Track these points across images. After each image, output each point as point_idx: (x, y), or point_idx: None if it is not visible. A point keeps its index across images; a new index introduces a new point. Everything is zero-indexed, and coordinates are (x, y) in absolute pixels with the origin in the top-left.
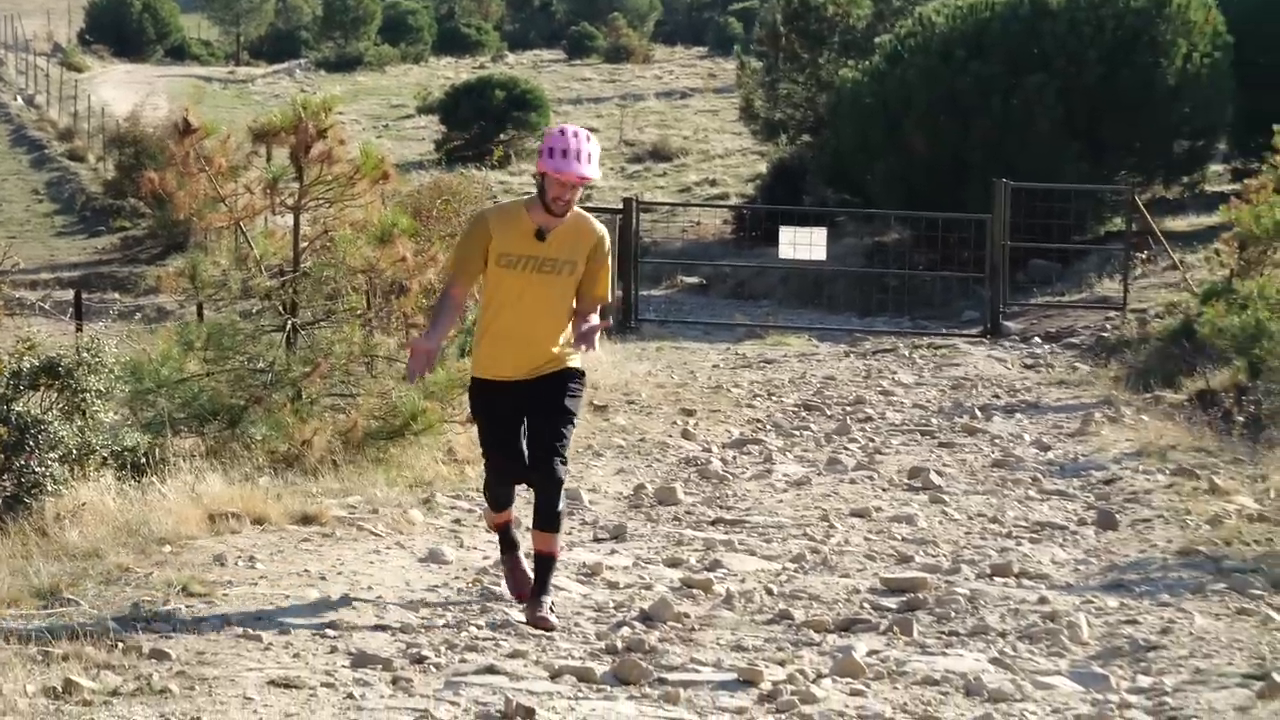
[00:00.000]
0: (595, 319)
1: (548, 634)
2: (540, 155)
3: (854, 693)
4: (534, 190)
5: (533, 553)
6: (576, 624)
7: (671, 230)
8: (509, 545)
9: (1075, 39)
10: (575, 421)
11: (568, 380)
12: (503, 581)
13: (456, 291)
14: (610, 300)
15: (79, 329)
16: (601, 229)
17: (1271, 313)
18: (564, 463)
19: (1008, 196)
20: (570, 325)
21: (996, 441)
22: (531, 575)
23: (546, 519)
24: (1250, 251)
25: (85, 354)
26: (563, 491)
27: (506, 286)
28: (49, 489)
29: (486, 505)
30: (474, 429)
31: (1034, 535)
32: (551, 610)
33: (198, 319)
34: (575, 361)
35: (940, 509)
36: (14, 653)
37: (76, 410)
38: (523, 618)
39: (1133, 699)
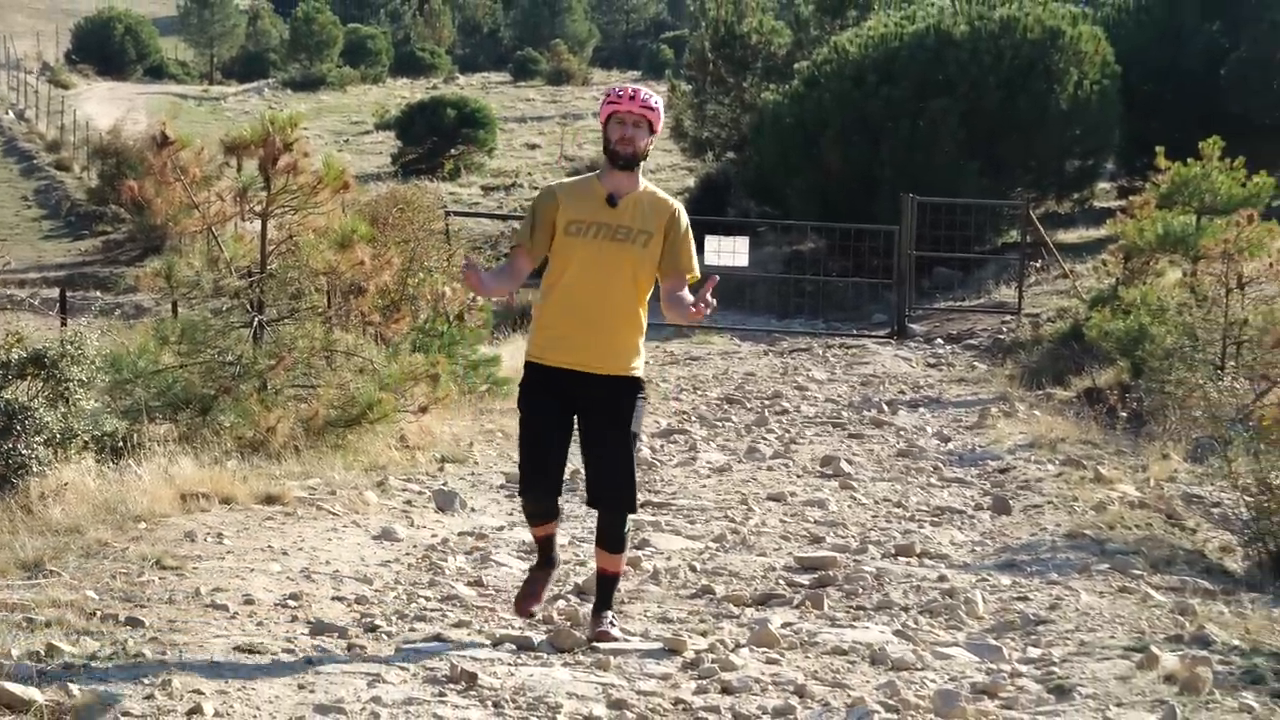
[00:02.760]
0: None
1: (607, 643)
2: (602, 107)
3: (769, 661)
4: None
5: (595, 569)
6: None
7: None
8: (545, 560)
9: (976, 67)
10: (638, 443)
11: (632, 393)
12: (450, 557)
13: (520, 261)
14: (699, 277)
15: (63, 323)
16: (678, 205)
17: (1153, 318)
18: (631, 489)
19: (914, 210)
20: (640, 327)
21: (901, 433)
22: (545, 595)
23: (610, 540)
24: (1134, 262)
25: (69, 346)
26: (634, 511)
27: (576, 256)
28: (34, 470)
29: (527, 520)
30: (426, 419)
31: (935, 519)
32: (612, 624)
33: (172, 315)
34: (639, 369)
35: (850, 494)
36: (1, 619)
37: (60, 398)
38: (472, 592)
39: (1024, 668)
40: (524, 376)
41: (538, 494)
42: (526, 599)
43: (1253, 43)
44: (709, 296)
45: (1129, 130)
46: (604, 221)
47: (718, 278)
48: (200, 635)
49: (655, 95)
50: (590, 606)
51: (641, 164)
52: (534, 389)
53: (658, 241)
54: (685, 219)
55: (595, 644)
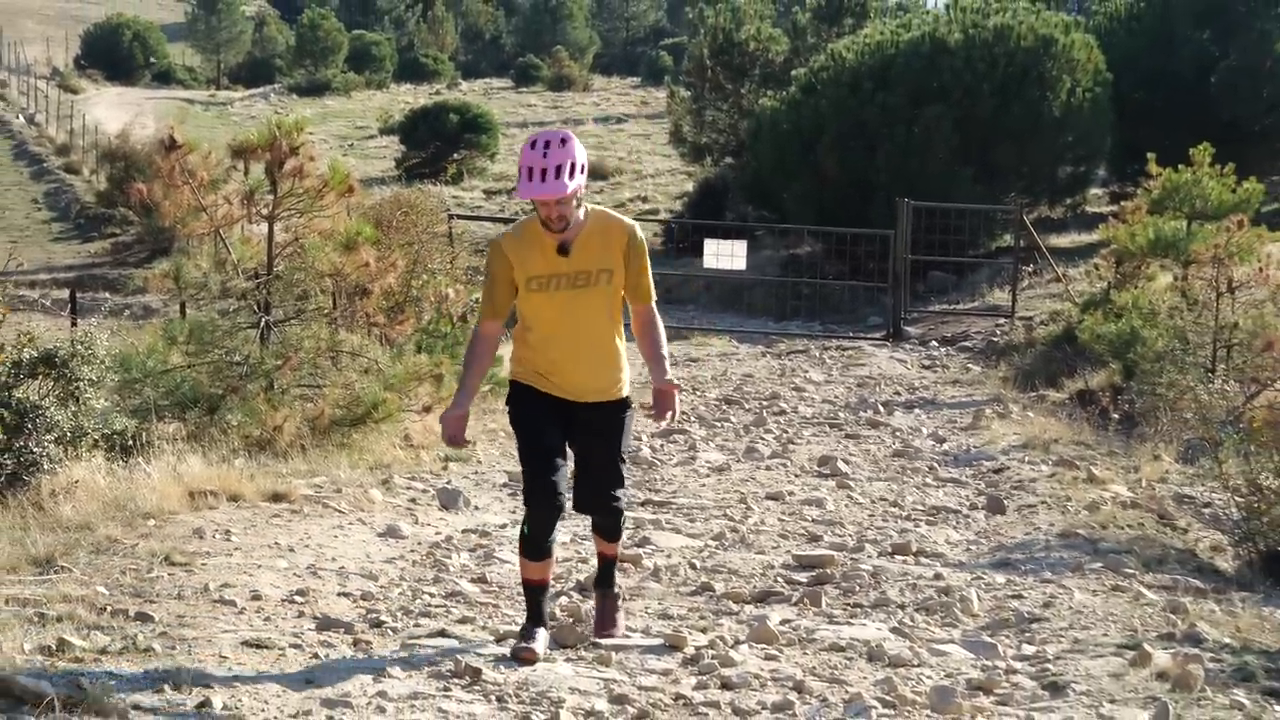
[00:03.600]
0: (662, 343)
1: (612, 637)
2: (518, 178)
3: (768, 657)
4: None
5: (595, 554)
6: (520, 593)
7: None
8: (535, 616)
9: (971, 74)
10: (627, 455)
11: (619, 413)
12: (453, 554)
13: (486, 330)
14: (654, 297)
15: (74, 324)
16: (630, 222)
17: (1144, 321)
18: (622, 492)
19: (909, 214)
20: (620, 355)
21: (897, 434)
22: (542, 653)
23: (607, 531)
24: (1125, 266)
25: (79, 346)
26: (623, 516)
27: (544, 311)
28: (45, 468)
29: (520, 554)
30: (430, 418)
31: (930, 518)
32: (618, 606)
33: (181, 316)
34: (625, 389)
35: (846, 494)
36: (12, 614)
37: (71, 397)
38: (475, 589)
39: (1018, 665)
40: (510, 393)
41: (545, 496)
42: (526, 651)
43: (1242, 51)
44: (675, 405)
45: (1121, 137)
46: (561, 273)
47: (679, 386)
48: (209, 630)
49: (569, 158)
50: (590, 603)
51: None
52: (523, 398)
53: (620, 272)
54: (640, 235)
55: (598, 640)
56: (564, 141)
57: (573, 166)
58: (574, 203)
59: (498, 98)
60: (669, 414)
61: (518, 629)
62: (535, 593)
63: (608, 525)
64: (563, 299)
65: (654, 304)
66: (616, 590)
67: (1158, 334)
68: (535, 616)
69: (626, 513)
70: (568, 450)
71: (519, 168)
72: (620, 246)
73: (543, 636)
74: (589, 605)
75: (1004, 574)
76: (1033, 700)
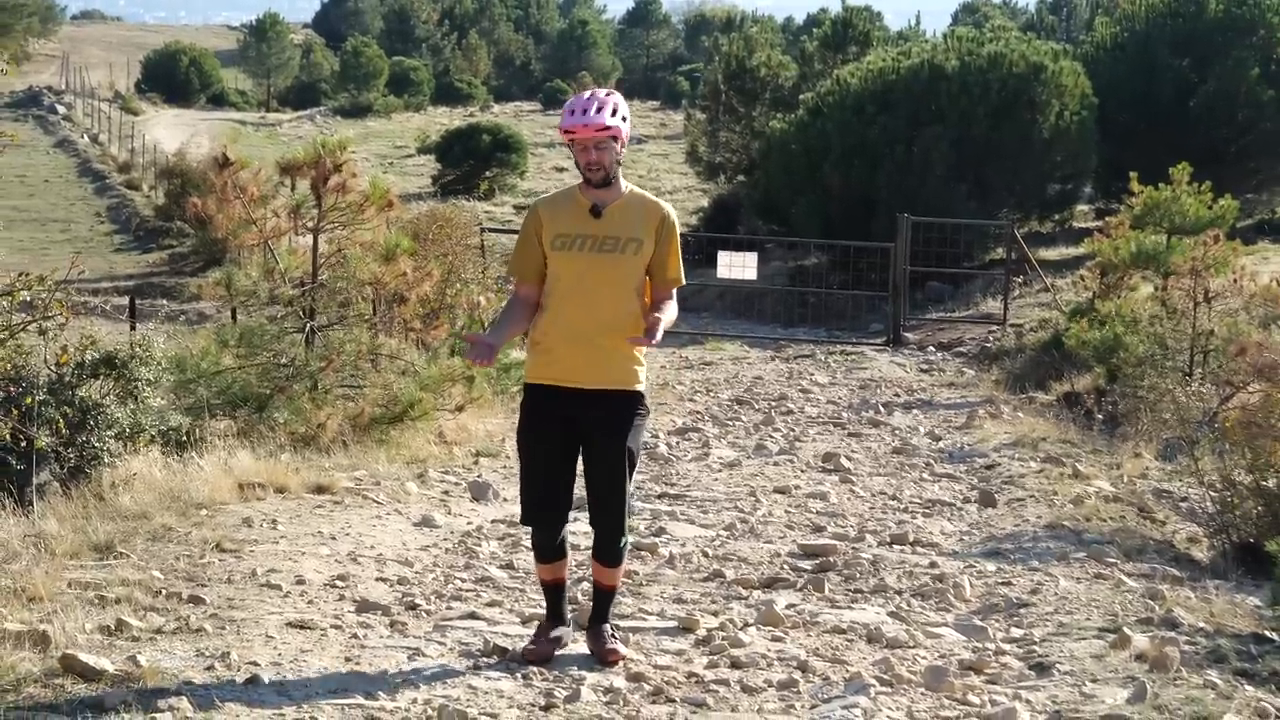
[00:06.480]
0: (668, 311)
1: (612, 666)
2: (561, 130)
3: (774, 639)
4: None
5: (591, 581)
6: None
7: None
8: (553, 615)
9: (966, 98)
10: (636, 460)
11: (630, 408)
12: (483, 542)
13: (522, 290)
14: (684, 283)
15: (133, 328)
16: (667, 206)
17: (1126, 329)
18: (620, 509)
19: (908, 228)
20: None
21: (896, 432)
22: (552, 654)
23: (603, 553)
24: (1109, 277)
25: (138, 349)
26: (625, 533)
27: (565, 272)
28: (106, 461)
29: (534, 554)
30: (462, 416)
31: (926, 510)
32: (614, 638)
33: (232, 321)
34: (641, 383)
35: (849, 487)
36: (75, 596)
37: (130, 396)
38: (503, 574)
39: (1007, 647)
40: (523, 401)
41: (540, 525)
42: (532, 653)
43: (1219, 78)
44: (657, 331)
45: (1105, 157)
46: (590, 234)
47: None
48: (256, 612)
49: (612, 102)
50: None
51: (619, 172)
52: (533, 415)
53: (649, 247)
54: (675, 221)
55: (604, 664)
56: (609, 92)
57: (615, 109)
58: (613, 158)
59: (527, 120)
60: (657, 329)
61: (542, 612)
62: (548, 591)
63: (605, 541)
64: (585, 262)
65: (674, 294)
66: (610, 630)
67: (1139, 340)
68: (551, 614)
69: (633, 517)
70: (573, 465)
71: (564, 113)
72: (655, 222)
73: (560, 633)
74: None
75: (994, 562)
76: (1020, 679)
